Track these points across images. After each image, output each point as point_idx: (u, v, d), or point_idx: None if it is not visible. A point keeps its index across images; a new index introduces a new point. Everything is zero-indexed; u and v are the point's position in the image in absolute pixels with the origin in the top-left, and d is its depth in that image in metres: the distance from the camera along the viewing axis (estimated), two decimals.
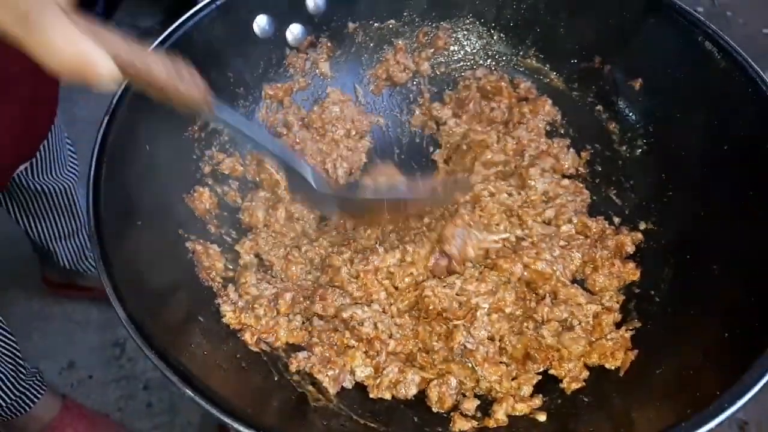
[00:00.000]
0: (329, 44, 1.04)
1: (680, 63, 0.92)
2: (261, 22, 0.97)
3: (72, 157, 1.51)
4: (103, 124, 0.78)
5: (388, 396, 0.82)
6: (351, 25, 1.04)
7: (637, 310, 0.87)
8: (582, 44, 1.02)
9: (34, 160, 1.35)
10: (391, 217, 0.94)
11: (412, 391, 0.82)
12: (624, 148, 1.00)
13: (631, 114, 1.00)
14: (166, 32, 0.87)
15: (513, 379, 0.83)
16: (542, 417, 0.79)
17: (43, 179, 1.43)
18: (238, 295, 0.85)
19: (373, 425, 0.77)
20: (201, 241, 0.87)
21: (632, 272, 0.90)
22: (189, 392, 0.61)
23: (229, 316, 0.82)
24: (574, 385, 0.81)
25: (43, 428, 1.54)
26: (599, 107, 1.03)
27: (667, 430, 0.62)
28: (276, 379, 0.80)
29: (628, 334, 0.83)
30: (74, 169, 1.52)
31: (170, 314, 0.75)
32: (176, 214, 0.87)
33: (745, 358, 0.65)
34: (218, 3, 0.91)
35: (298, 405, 0.77)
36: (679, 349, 0.78)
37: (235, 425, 0.61)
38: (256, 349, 0.82)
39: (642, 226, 0.94)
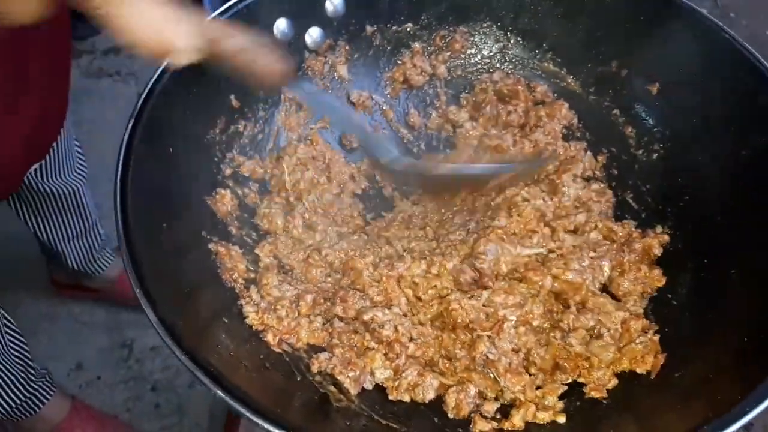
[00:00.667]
0: (347, 47, 1.05)
1: (699, 68, 0.92)
2: (281, 26, 0.97)
3: (80, 158, 1.51)
4: (128, 128, 0.78)
5: (407, 398, 0.82)
6: (369, 29, 1.05)
7: (655, 313, 0.88)
8: (599, 49, 1.03)
9: (43, 162, 1.36)
10: (467, 194, 0.95)
11: (430, 395, 0.82)
12: (641, 152, 1.01)
13: (648, 118, 1.00)
14: None
15: (537, 389, 0.83)
16: (562, 419, 0.79)
17: (52, 181, 1.44)
18: (261, 296, 0.86)
19: (395, 426, 0.77)
20: (223, 242, 0.88)
21: (658, 278, 0.89)
22: (220, 393, 0.62)
23: (252, 317, 0.83)
24: (596, 394, 0.81)
25: (52, 429, 1.55)
26: (616, 111, 1.04)
27: None
28: (299, 379, 0.80)
29: (656, 337, 0.83)
30: (82, 170, 1.53)
31: (196, 315, 0.75)
32: (199, 216, 0.88)
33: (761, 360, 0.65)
34: (240, 6, 0.91)
35: (320, 405, 0.78)
36: (699, 354, 0.78)
37: (265, 425, 0.62)
38: (278, 350, 0.82)
39: (659, 230, 0.94)
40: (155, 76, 0.82)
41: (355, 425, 0.76)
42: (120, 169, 0.75)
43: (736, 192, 0.88)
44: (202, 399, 1.73)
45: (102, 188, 1.74)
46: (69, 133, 1.43)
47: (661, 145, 0.99)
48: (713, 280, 0.85)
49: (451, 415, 0.80)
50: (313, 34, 1.01)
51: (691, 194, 0.93)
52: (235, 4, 0.91)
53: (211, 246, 0.86)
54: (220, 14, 0.90)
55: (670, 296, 0.88)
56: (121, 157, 0.76)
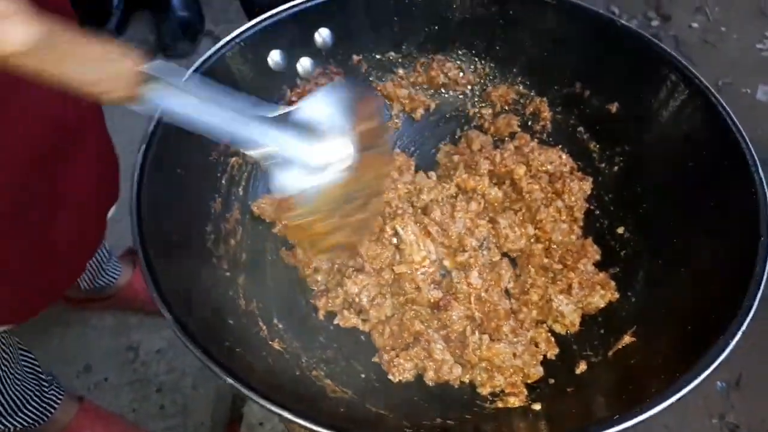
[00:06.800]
0: (337, 73, 1.15)
1: (651, 91, 1.02)
2: (275, 57, 1.07)
3: None
4: (139, 159, 0.87)
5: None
6: (355, 57, 1.14)
7: (617, 307, 0.98)
8: (564, 72, 1.13)
9: None
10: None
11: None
12: (603, 165, 1.11)
13: (608, 134, 1.10)
14: (194, 66, 0.98)
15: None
16: (537, 406, 0.90)
17: None
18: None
19: (383, 413, 0.88)
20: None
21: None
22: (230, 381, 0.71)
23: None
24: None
25: (62, 430, 1.61)
26: (581, 128, 1.14)
27: (631, 408, 0.72)
28: (297, 374, 0.90)
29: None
30: None
31: (203, 316, 0.84)
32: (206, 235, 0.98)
33: (701, 348, 0.76)
34: (238, 40, 1.01)
35: (317, 394, 0.88)
36: (650, 340, 0.90)
37: (271, 407, 0.71)
38: (278, 348, 0.92)
39: (620, 230, 1.05)
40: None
41: (351, 412, 0.86)
42: (135, 198, 0.83)
43: (684, 200, 0.98)
44: (205, 400, 1.80)
45: None
46: None
47: (621, 159, 1.09)
48: (665, 277, 0.95)
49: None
50: (304, 64, 1.10)
51: (648, 202, 1.03)
52: (235, 37, 1.01)
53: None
54: (223, 46, 1.00)
55: (629, 293, 0.99)
56: (133, 191, 0.84)
